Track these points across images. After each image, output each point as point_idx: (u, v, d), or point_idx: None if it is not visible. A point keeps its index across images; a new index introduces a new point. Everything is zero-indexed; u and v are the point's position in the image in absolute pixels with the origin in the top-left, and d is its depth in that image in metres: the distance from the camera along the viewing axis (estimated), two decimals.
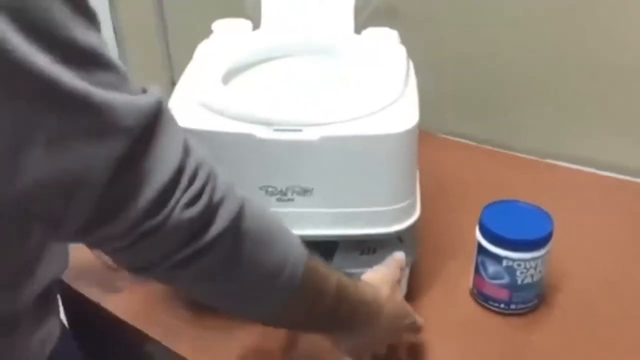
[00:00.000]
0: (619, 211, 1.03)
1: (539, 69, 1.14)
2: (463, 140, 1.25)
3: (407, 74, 0.80)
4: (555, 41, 1.10)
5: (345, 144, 0.69)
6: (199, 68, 0.80)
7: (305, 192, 0.71)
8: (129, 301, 0.85)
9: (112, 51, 0.43)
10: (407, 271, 0.81)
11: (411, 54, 0.86)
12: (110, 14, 2.08)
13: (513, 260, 0.77)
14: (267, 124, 0.68)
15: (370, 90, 0.74)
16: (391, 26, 0.92)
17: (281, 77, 0.84)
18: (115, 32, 2.06)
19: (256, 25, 0.93)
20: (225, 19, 0.92)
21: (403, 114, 0.72)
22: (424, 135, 1.05)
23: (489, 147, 1.21)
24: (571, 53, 1.09)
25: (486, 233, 0.78)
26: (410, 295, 0.84)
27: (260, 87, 0.81)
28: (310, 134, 0.68)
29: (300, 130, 0.68)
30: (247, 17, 0.94)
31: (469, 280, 0.85)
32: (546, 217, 0.79)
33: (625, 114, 1.08)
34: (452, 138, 1.27)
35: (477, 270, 0.82)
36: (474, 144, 1.23)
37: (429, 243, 0.93)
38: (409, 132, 0.70)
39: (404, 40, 0.89)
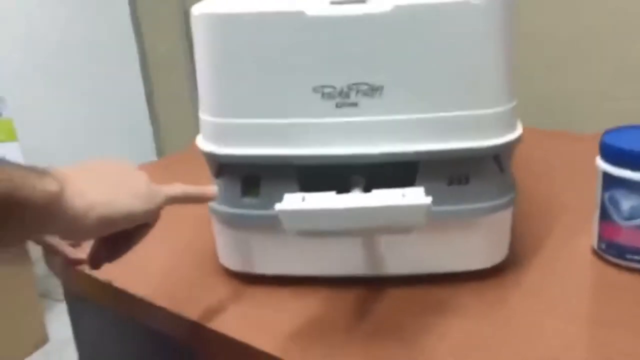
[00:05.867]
0: None
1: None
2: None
3: None
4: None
5: (425, 17, 0.52)
6: None
7: (373, 91, 0.54)
8: (144, 277, 0.66)
9: None
10: (508, 220, 0.61)
11: None
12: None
13: None
14: None
15: None
16: None
17: None
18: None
19: None
20: None
21: None
22: None
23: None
24: None
25: (616, 155, 0.59)
26: (513, 260, 0.63)
27: None
28: (378, 5, 0.52)
29: (363, 1, 0.52)
30: None
31: (588, 236, 0.64)
32: None
33: None
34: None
35: (604, 215, 0.61)
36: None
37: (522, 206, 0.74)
38: (504, 2, 0.53)
39: None
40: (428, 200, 0.49)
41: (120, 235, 0.51)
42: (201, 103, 0.60)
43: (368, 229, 0.53)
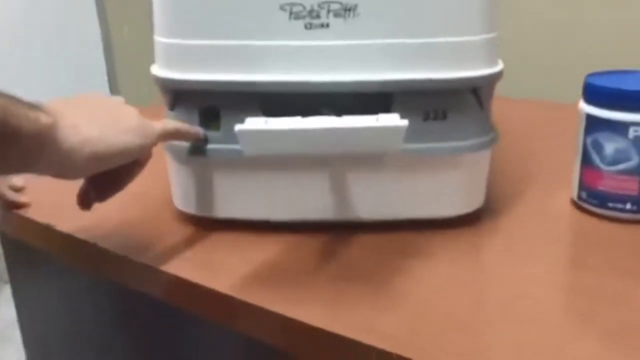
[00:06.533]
0: None
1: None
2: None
3: None
4: None
5: None
6: None
7: (345, 11, 0.50)
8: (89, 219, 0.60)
9: None
10: (486, 163, 0.57)
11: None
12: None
13: None
14: None
15: None
16: None
17: None
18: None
19: None
20: None
21: None
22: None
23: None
24: None
25: (600, 95, 0.56)
26: (489, 210, 0.60)
27: None
28: None
29: None
30: None
31: (568, 191, 0.61)
32: None
33: None
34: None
35: (585, 161, 0.58)
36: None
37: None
38: None
39: None
40: (404, 122, 0.45)
41: (110, 175, 0.48)
42: (155, 24, 0.54)
43: (338, 154, 0.48)
